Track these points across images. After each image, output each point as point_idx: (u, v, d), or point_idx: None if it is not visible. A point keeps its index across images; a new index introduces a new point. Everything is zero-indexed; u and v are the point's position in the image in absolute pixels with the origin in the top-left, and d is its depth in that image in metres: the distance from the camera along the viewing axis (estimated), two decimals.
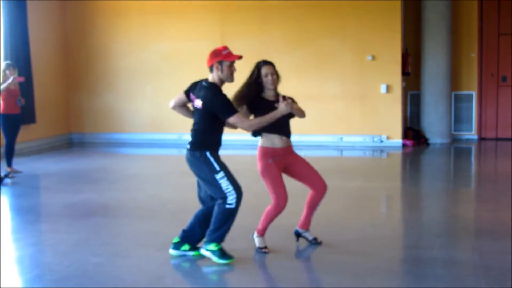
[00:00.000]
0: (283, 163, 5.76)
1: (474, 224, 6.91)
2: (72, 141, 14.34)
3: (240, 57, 5.56)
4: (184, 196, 8.36)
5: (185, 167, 10.65)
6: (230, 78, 5.56)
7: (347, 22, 12.80)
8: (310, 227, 6.06)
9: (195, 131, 5.57)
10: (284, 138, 5.76)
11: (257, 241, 5.86)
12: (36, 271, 5.36)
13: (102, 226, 6.95)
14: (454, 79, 13.47)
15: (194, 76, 14.17)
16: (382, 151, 12.42)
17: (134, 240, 6.33)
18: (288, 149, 5.81)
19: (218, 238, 5.55)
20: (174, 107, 5.92)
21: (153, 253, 5.81)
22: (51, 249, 6.03)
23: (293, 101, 5.74)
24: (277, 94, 5.82)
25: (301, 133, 12.83)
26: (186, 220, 6.99)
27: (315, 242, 6.01)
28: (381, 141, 12.78)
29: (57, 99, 14.02)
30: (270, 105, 5.65)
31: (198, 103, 5.52)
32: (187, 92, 5.73)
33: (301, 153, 12.03)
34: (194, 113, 5.64)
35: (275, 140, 5.71)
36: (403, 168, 11.30)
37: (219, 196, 5.47)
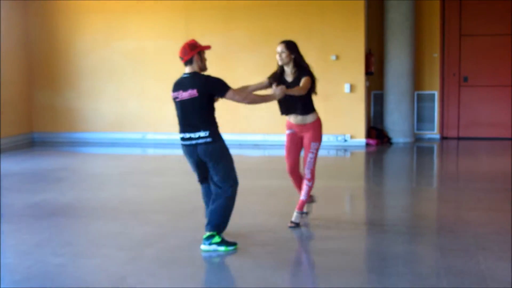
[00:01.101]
0: (299, 136, 6.60)
1: (436, 222, 6.99)
2: (34, 140, 14.16)
3: (209, 48, 5.91)
4: (147, 196, 8.32)
5: (148, 166, 10.59)
6: (206, 67, 5.91)
7: (311, 21, 12.83)
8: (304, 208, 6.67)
9: (203, 123, 5.76)
10: (298, 116, 6.51)
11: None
12: None
13: (64, 226, 6.88)
14: (417, 79, 13.60)
15: (158, 74, 14.15)
16: (345, 150, 12.49)
17: (97, 240, 6.28)
18: (304, 126, 6.54)
19: (223, 228, 5.84)
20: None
21: (115, 253, 5.77)
22: (12, 250, 5.94)
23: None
24: (297, 73, 6.47)
25: (265, 133, 12.87)
26: (148, 219, 6.98)
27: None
28: (345, 140, 12.85)
29: (18, 97, 13.81)
30: (285, 83, 6.41)
31: (191, 92, 5.72)
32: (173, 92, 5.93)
33: (265, 152, 12.02)
34: (183, 108, 5.79)
35: (291, 118, 6.58)
36: (367, 167, 11.37)
37: (229, 184, 5.80)
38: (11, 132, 13.48)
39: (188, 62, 5.82)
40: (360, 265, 5.52)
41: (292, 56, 6.43)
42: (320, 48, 12.80)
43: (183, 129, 5.85)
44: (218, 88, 5.74)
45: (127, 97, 13.74)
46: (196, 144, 5.77)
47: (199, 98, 5.69)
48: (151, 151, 13.02)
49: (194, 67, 5.81)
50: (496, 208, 7.31)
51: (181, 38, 12.89)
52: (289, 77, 6.44)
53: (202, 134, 5.75)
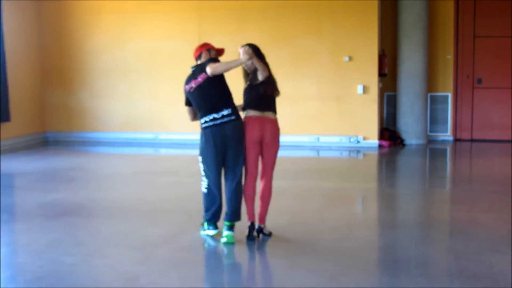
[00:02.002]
0: None
1: (448, 224, 6.96)
2: (47, 139, 14.22)
3: (223, 50, 6.26)
4: (158, 196, 8.33)
5: (161, 166, 10.60)
6: None
7: (324, 22, 12.81)
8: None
9: (223, 103, 6.00)
10: None
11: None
12: (9, 271, 5.29)
13: (76, 226, 6.89)
14: (430, 81, 13.54)
15: (171, 75, 14.16)
16: (358, 151, 12.46)
17: (109, 240, 6.28)
18: None
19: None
20: (194, 120, 6.38)
21: (127, 253, 5.77)
22: (25, 249, 5.97)
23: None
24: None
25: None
26: (160, 219, 6.98)
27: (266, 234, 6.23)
28: (358, 142, 12.81)
29: (32, 97, 13.89)
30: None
31: (203, 76, 5.96)
32: (187, 100, 6.24)
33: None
34: (201, 92, 6.00)
35: None
36: (379, 169, 11.34)
37: (240, 169, 6.02)
38: (25, 132, 13.55)
39: (197, 58, 6.22)
40: (372, 267, 5.50)
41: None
42: (333, 49, 12.78)
43: (205, 113, 6.01)
44: (207, 66, 5.93)
45: (139, 97, 13.78)
46: (221, 124, 5.94)
47: (211, 79, 5.93)
48: (163, 151, 13.04)
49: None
50: (509, 211, 7.26)
51: (193, 38, 12.94)
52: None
53: (225, 112, 5.96)
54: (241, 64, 5.90)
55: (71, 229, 6.73)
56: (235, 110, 6.02)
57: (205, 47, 6.22)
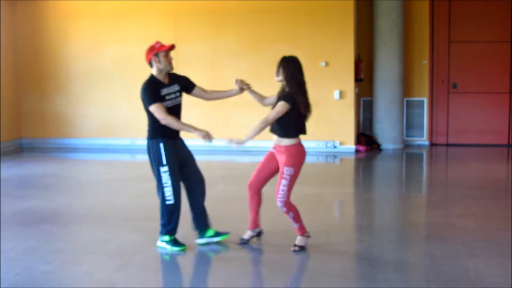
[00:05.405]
0: (276, 157, 6.13)
1: (425, 229, 6.99)
2: (22, 146, 14.09)
3: (172, 46, 6.26)
4: (136, 203, 8.29)
5: (138, 172, 10.56)
6: (170, 66, 6.20)
7: (300, 28, 12.85)
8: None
9: (148, 121, 6.12)
10: (275, 137, 6.09)
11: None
12: None
13: (52, 233, 6.84)
14: (406, 86, 13.64)
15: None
16: (335, 156, 12.50)
17: (85, 247, 6.24)
18: (279, 148, 6.07)
19: (171, 231, 6.01)
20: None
21: (104, 260, 5.74)
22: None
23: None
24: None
25: (255, 139, 12.86)
26: (137, 226, 6.95)
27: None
28: (334, 147, 12.85)
29: (6, 103, 13.75)
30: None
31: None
32: None
33: (254, 158, 11.98)
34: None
35: (274, 136, 6.11)
36: (356, 174, 11.37)
37: (159, 189, 5.98)
38: None
39: (150, 65, 6.16)
40: (349, 272, 5.51)
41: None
42: (309, 55, 12.80)
43: None
44: (143, 100, 6.01)
45: (116, 103, 13.71)
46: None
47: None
48: (140, 157, 12.97)
49: (154, 69, 6.13)
50: (485, 215, 7.33)
51: (170, 43, 12.89)
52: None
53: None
54: (191, 132, 5.93)
55: (47, 236, 6.67)
56: (153, 133, 6.07)
57: (153, 52, 6.10)
